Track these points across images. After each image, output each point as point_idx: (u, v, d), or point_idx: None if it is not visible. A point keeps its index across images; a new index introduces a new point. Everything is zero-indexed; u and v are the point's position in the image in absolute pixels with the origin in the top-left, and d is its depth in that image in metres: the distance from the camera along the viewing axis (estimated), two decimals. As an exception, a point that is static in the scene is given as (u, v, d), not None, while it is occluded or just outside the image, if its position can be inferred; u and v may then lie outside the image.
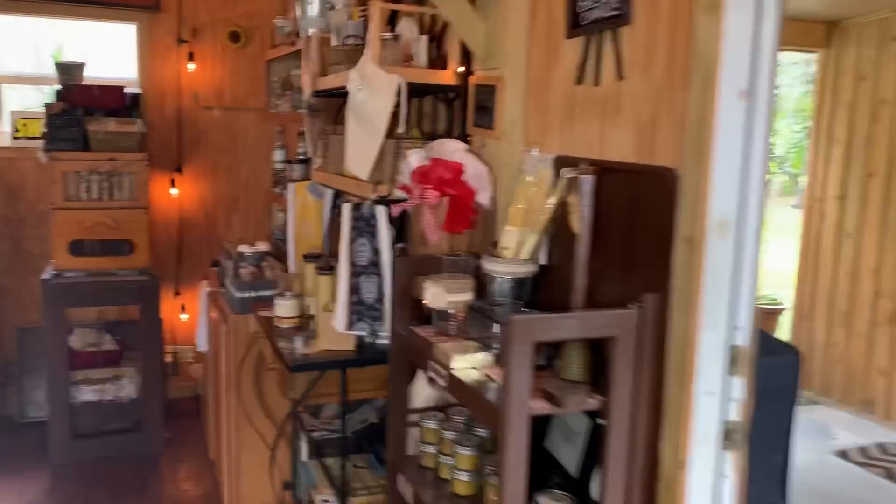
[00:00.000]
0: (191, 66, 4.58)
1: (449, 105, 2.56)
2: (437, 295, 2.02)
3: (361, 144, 2.41)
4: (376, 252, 2.43)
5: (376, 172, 2.40)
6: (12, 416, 4.43)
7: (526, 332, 1.52)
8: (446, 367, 1.81)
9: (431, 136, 2.64)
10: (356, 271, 2.46)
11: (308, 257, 2.93)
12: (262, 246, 3.90)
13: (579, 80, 1.93)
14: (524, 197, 2.05)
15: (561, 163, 1.92)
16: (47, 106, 3.99)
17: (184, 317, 4.76)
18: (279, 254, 4.04)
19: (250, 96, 4.76)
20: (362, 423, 3.02)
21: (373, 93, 2.31)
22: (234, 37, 4.65)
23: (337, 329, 2.45)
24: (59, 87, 4.18)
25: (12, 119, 4.38)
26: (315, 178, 3.16)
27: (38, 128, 4.32)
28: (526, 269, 2.01)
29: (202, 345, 4.01)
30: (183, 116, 4.65)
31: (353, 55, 2.79)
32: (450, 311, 2.04)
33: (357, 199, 2.52)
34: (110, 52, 4.57)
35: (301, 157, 4.01)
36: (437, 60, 2.64)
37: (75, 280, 3.88)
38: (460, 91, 2.46)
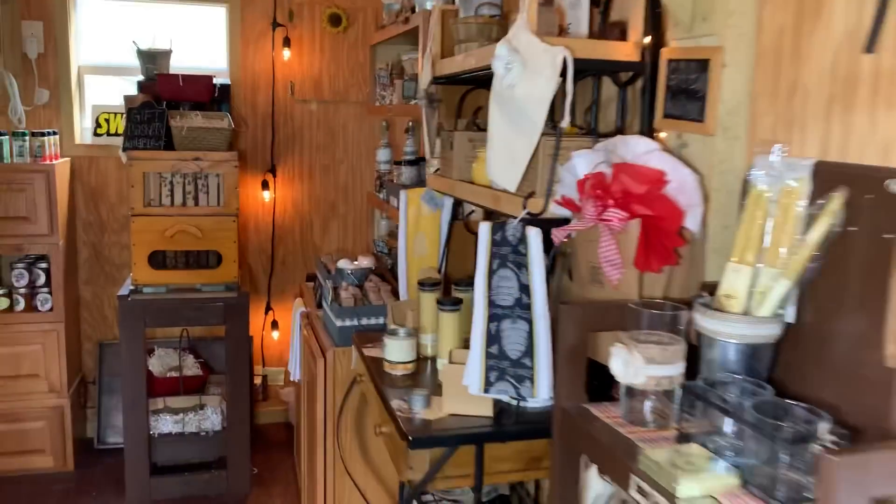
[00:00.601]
0: (286, 54, 4.06)
1: (622, 89, 1.90)
2: (631, 366, 1.37)
3: (508, 143, 1.78)
4: (525, 289, 1.80)
5: (527, 181, 1.77)
6: (91, 441, 4.02)
7: (857, 482, 0.85)
8: (663, 492, 1.16)
9: (591, 132, 1.99)
10: (496, 314, 1.83)
11: (425, 285, 2.33)
12: (366, 261, 3.34)
13: (870, 45, 1.24)
14: (757, 220, 1.38)
15: (827, 172, 1.24)
16: (127, 99, 3.53)
17: (275, 335, 4.26)
18: (385, 270, 3.46)
19: (351, 88, 4.21)
20: (489, 495, 2.40)
21: (528, 73, 1.68)
22: (335, 20, 4.11)
23: (469, 391, 1.83)
24: (140, 78, 3.73)
25: (93, 114, 3.96)
26: (432, 184, 2.56)
27: (122, 124, 3.88)
28: (767, 332, 1.34)
29: (295, 373, 3.48)
30: (277, 110, 4.15)
31: (486, 30, 2.17)
32: (648, 389, 1.40)
33: (499, 216, 1.90)
34: (197, 40, 4.10)
35: (408, 157, 3.43)
36: (602, 31, 1.99)
37: (155, 297, 3.42)
38: (641, 69, 1.80)
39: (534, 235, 1.77)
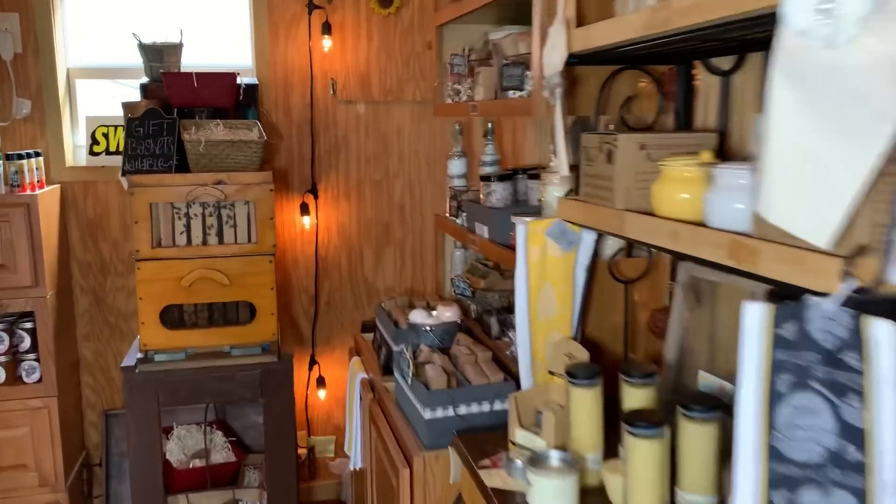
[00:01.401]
0: (326, 43, 3.23)
1: None
2: None
3: (814, 155, 0.93)
4: (852, 434, 0.94)
5: (853, 227, 0.92)
6: (99, 535, 3.22)
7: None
8: None
9: None
10: (788, 476, 0.98)
11: (577, 377, 1.49)
12: (448, 312, 2.50)
13: None
14: None
15: None
16: (126, 107, 2.72)
17: (321, 393, 3.43)
18: (471, 322, 2.62)
19: (406, 83, 3.36)
20: None
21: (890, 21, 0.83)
22: (385, -1, 3.27)
23: None
24: (144, 80, 2.91)
25: (88, 128, 3.15)
26: (566, 213, 1.72)
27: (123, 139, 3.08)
28: None
29: (356, 459, 2.65)
30: (316, 115, 3.32)
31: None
32: None
33: (771, 287, 1.04)
34: (214, 30, 3.28)
35: (489, 167, 2.62)
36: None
37: (171, 366, 2.60)
38: None
39: (885, 335, 0.90)
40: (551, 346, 1.84)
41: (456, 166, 2.91)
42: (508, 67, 2.17)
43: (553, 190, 1.94)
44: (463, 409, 1.99)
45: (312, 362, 3.39)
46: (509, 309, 2.61)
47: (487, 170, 2.90)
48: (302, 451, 3.38)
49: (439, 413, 1.97)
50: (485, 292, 2.66)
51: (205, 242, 2.64)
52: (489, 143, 2.88)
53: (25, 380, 2.83)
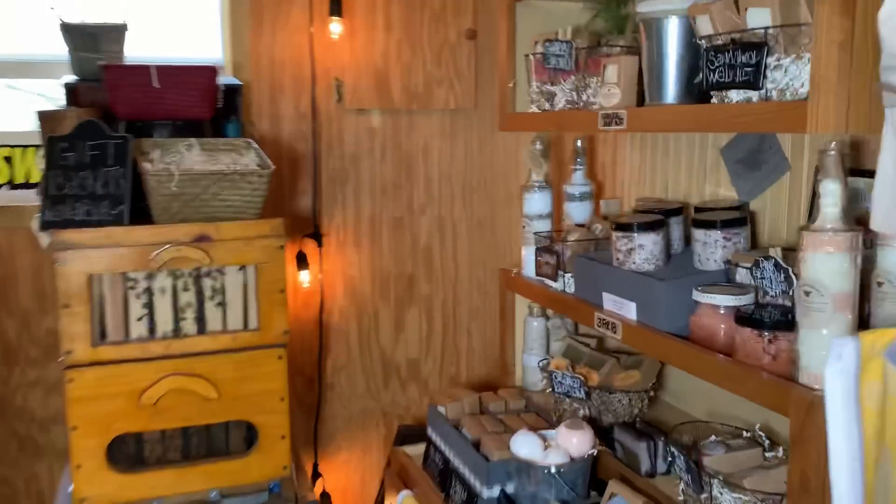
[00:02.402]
0: (335, 29, 2.30)
1: None
2: None
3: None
4: None
5: None
6: None
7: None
8: None
9: None
10: None
11: None
12: (576, 437, 1.64)
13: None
14: None
15: None
16: (43, 119, 1.73)
17: (327, 512, 2.48)
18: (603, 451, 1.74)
19: (437, 86, 2.46)
20: None
21: None
22: (412, -31, 2.37)
23: None
24: (70, 77, 1.93)
25: (-18, 150, 2.13)
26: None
27: (36, 167, 2.10)
28: None
29: None
30: (319, 129, 2.38)
31: None
32: None
33: None
34: (172, 12, 2.31)
35: (577, 201, 1.82)
36: None
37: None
38: None
39: None
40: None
41: (537, 202, 2.03)
42: (718, 52, 1.30)
43: (835, 260, 1.10)
44: None
45: (315, 474, 2.44)
46: (650, 424, 1.75)
47: (578, 208, 2.05)
48: None
49: None
50: (607, 394, 1.79)
51: (178, 333, 1.67)
52: (579, 169, 2.03)
53: None
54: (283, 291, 1.72)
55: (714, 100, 1.36)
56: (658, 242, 1.62)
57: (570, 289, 1.83)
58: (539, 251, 1.93)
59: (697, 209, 1.74)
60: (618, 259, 1.64)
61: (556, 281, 1.86)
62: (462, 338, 2.63)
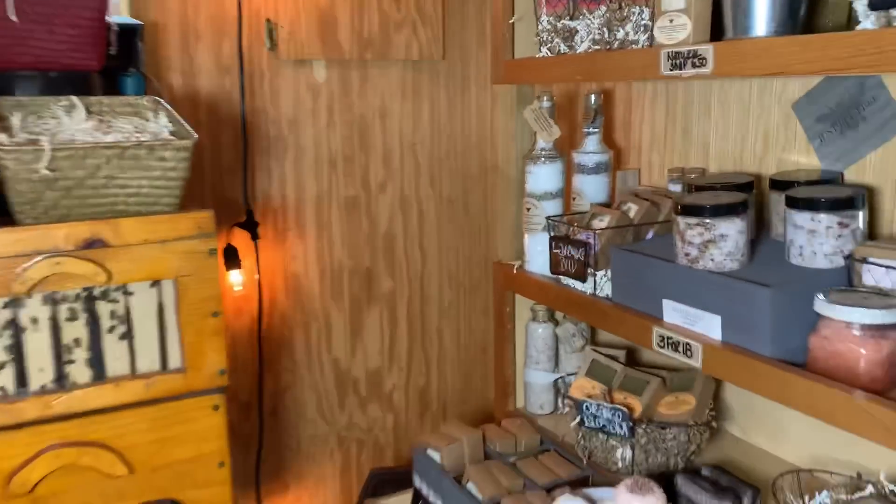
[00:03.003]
0: (266, -49, 1.76)
1: None
2: None
3: None
4: None
5: None
6: None
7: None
8: None
9: None
10: None
11: None
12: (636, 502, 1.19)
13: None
14: None
15: None
16: None
17: (274, 570, 1.99)
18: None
19: (397, 30, 1.95)
20: None
21: None
22: None
23: None
24: None
25: None
26: None
27: None
28: None
29: None
30: (248, 85, 1.84)
31: None
32: None
33: None
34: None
35: (591, 173, 1.41)
36: None
37: None
38: None
39: None
40: None
41: (546, 177, 1.56)
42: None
43: None
44: None
45: (259, 525, 1.94)
46: (719, 468, 1.33)
47: (592, 182, 1.62)
48: None
49: None
50: (659, 429, 1.36)
51: (63, 384, 1.14)
52: (593, 132, 1.58)
53: None
54: (219, 314, 1.20)
55: (868, 23, 0.92)
56: (743, 231, 1.19)
57: (605, 291, 1.38)
58: (556, 241, 1.47)
59: (777, 182, 1.31)
60: (687, 255, 1.20)
61: (584, 281, 1.41)
62: (432, 342, 2.16)
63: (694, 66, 1.12)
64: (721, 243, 1.17)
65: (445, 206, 2.12)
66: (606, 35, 1.35)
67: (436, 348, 2.17)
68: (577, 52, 1.40)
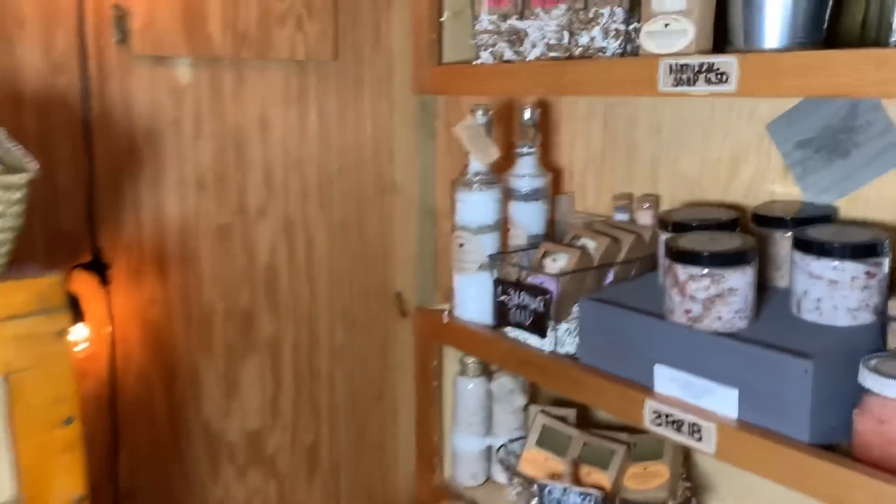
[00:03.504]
0: (115, -85, 1.37)
1: None
2: None
3: None
4: None
5: None
6: None
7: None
8: None
9: None
10: None
11: None
12: None
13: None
14: None
15: None
16: None
17: None
18: None
19: (278, 23, 1.61)
20: None
21: None
22: None
23: None
24: None
25: None
26: None
27: None
28: None
29: None
30: (93, 87, 1.43)
31: None
32: None
33: None
34: None
35: (530, 200, 1.34)
36: None
37: None
38: None
39: None
40: None
41: (481, 206, 1.30)
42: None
43: None
44: None
45: None
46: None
47: (527, 211, 1.39)
48: None
49: None
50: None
51: None
52: (528, 154, 1.35)
53: None
54: (72, 421, 0.84)
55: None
56: (752, 283, 0.98)
57: (566, 348, 1.14)
58: (504, 287, 1.20)
59: (763, 218, 1.12)
60: (688, 312, 0.97)
61: (543, 336, 1.16)
62: (322, 392, 1.84)
63: (710, 82, 0.89)
64: (730, 298, 0.96)
65: (338, 231, 1.80)
66: (566, 40, 1.11)
67: (326, 398, 1.85)
68: (528, 59, 1.14)
